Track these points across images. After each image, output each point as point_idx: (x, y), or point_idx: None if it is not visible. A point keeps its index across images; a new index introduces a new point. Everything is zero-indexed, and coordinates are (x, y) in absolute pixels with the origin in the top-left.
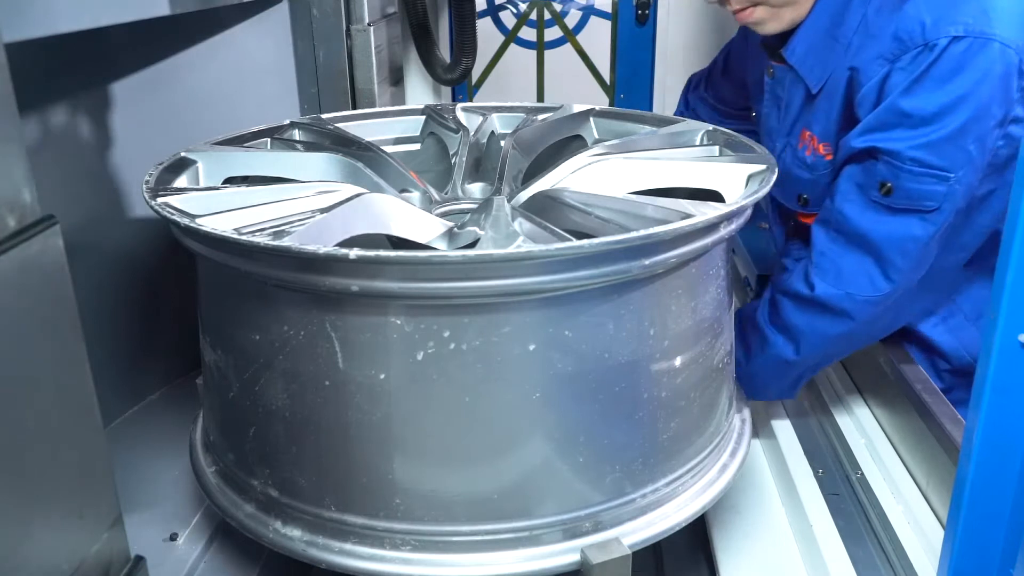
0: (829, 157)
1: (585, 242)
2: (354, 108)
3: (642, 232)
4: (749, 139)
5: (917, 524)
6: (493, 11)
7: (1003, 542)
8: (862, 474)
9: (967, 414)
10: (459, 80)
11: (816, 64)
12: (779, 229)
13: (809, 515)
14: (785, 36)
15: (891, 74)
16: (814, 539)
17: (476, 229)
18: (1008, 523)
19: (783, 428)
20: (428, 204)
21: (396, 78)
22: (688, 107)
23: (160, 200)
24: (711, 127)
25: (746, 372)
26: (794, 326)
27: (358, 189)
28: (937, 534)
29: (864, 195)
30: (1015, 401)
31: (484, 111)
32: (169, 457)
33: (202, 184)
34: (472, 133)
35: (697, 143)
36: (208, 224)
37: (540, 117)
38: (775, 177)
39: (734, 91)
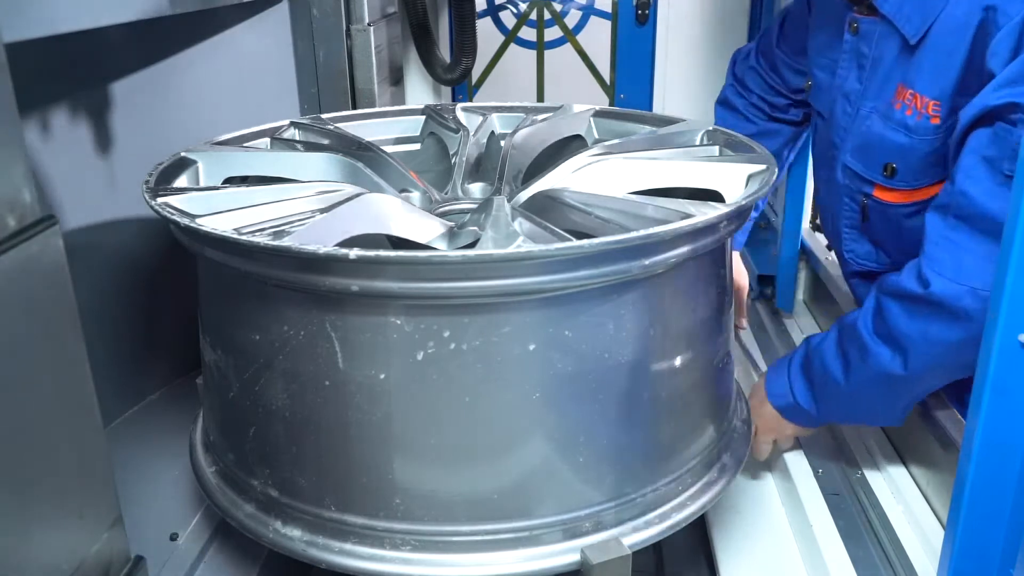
0: (936, 120)
1: (585, 242)
2: (354, 108)
3: (642, 232)
4: (749, 139)
5: (917, 524)
6: (493, 11)
7: (1003, 542)
8: (862, 474)
9: (967, 414)
10: (459, 80)
11: (914, 11)
12: (847, 209)
13: (809, 515)
14: None
15: None
16: (814, 539)
17: (476, 229)
18: (1008, 523)
19: None
20: (428, 204)
21: (396, 78)
22: (736, 79)
23: (160, 200)
24: (711, 127)
25: (845, 391)
26: (903, 334)
27: (358, 189)
28: (937, 534)
29: (993, 169)
30: (1015, 401)
31: (484, 111)
32: (169, 457)
33: (202, 184)
34: (472, 133)
35: (697, 143)
36: (208, 224)
37: (540, 117)
38: (775, 178)
39: (789, 61)
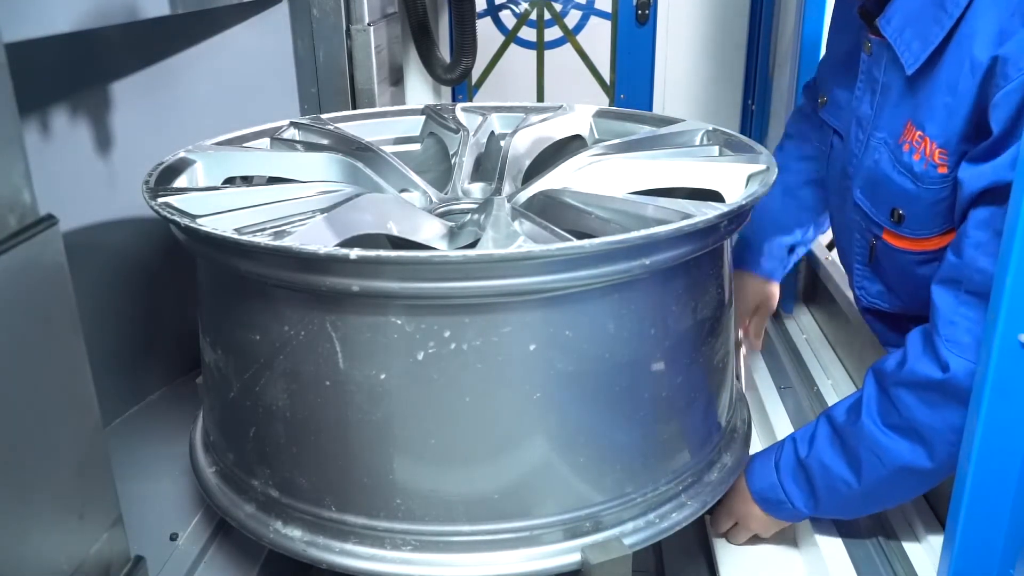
0: (944, 170)
1: (586, 242)
2: (354, 108)
3: (643, 232)
4: (749, 139)
5: (917, 524)
6: (493, 11)
7: (1003, 542)
8: None
9: (963, 420)
10: (459, 80)
11: (914, 38)
12: (857, 246)
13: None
14: (885, 1)
15: None
16: (814, 539)
17: (476, 229)
18: (1008, 523)
19: (783, 426)
20: (428, 204)
21: (396, 78)
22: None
23: (160, 200)
24: (711, 127)
25: (860, 493)
26: (923, 424)
27: (358, 189)
28: (937, 534)
29: None
30: (1015, 401)
31: (484, 111)
32: (169, 457)
33: (201, 184)
34: (472, 133)
35: (697, 143)
36: (208, 224)
37: (540, 117)
38: (775, 177)
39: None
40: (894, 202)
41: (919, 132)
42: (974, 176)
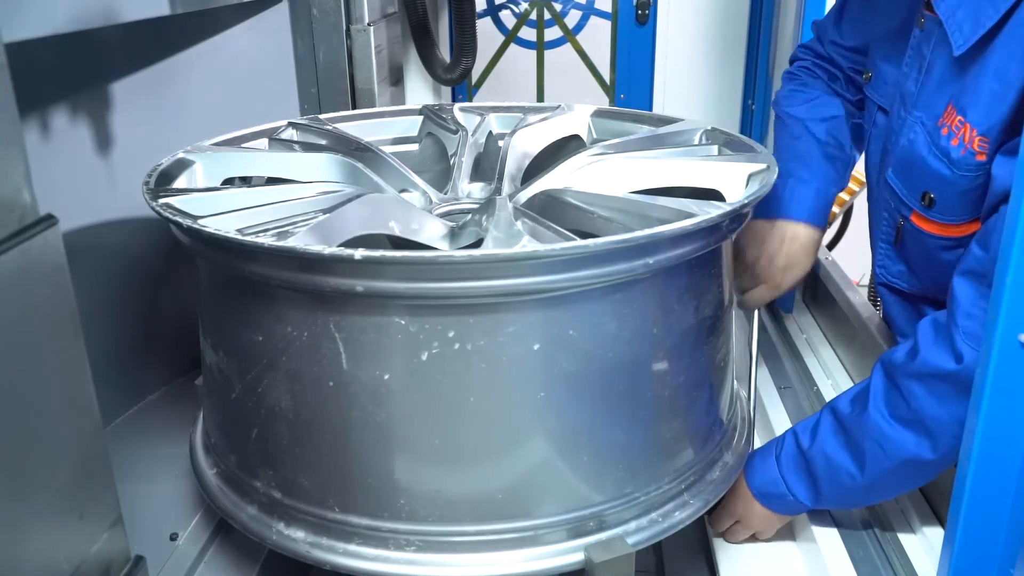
0: (982, 157)
1: (590, 242)
2: (354, 108)
3: (646, 232)
4: (749, 138)
5: (917, 524)
6: (493, 11)
7: (1003, 542)
8: None
9: (967, 414)
10: (459, 80)
11: (966, 18)
12: (884, 224)
13: (809, 515)
14: None
15: None
16: (814, 539)
17: (477, 229)
18: (1008, 523)
19: (783, 426)
20: (428, 204)
21: (396, 78)
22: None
23: (161, 201)
24: (710, 126)
25: (863, 484)
26: (930, 417)
27: (359, 189)
28: (937, 534)
29: None
30: (1015, 401)
31: (482, 111)
32: (169, 457)
33: (201, 185)
34: (471, 133)
35: (696, 142)
36: (211, 225)
37: (538, 117)
38: (775, 177)
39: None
40: (927, 185)
41: (960, 117)
42: (1010, 172)
